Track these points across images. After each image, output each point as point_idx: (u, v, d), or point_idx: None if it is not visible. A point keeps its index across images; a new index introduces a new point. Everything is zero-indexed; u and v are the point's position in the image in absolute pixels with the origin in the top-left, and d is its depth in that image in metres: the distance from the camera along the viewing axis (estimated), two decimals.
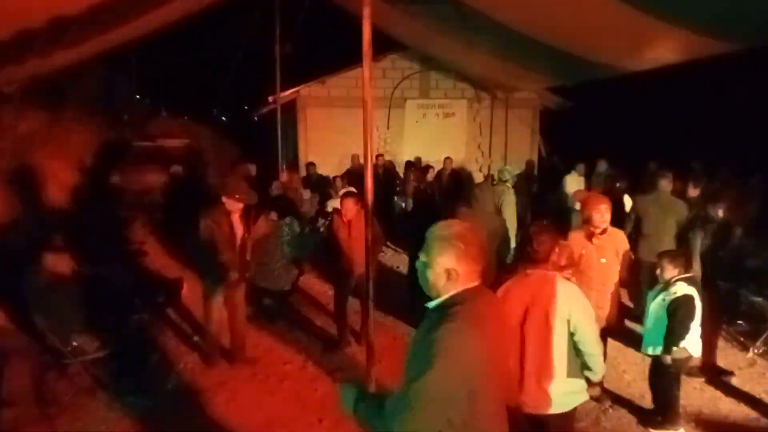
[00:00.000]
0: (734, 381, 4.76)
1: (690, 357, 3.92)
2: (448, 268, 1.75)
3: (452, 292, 1.77)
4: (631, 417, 4.21)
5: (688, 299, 3.81)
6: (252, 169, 9.12)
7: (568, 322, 2.74)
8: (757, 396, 4.53)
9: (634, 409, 4.31)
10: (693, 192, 6.28)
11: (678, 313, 3.80)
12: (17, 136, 9.59)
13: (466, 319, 1.68)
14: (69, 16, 4.20)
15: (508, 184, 7.13)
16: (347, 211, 5.46)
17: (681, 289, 3.84)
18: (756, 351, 5.24)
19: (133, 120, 17.04)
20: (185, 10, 6.00)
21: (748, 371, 4.95)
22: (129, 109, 17.95)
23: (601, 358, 2.93)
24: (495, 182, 8.02)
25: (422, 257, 1.82)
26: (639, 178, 8.67)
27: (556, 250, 2.90)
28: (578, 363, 2.86)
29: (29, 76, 6.10)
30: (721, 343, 5.49)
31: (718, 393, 4.55)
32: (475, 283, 1.80)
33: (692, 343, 3.86)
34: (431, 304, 1.82)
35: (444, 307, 1.76)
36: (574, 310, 2.75)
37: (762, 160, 9.48)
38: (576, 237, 4.07)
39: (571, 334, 2.78)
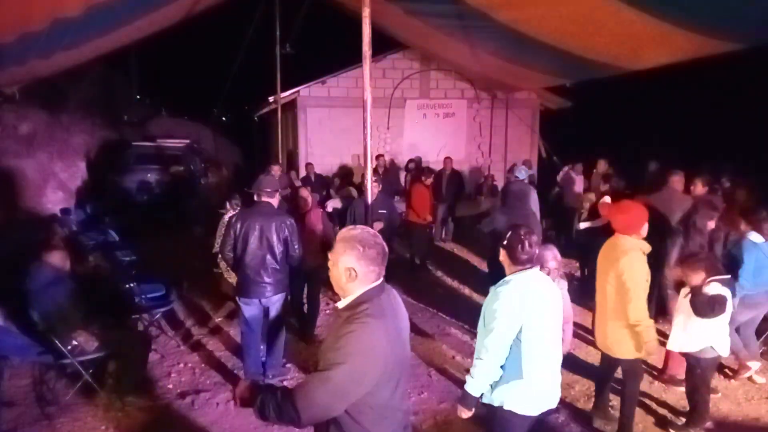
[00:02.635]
0: (734, 381, 4.76)
1: (718, 357, 3.92)
2: (348, 267, 1.91)
3: (358, 293, 1.94)
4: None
5: (722, 298, 3.78)
6: (293, 175, 9.10)
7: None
8: (757, 396, 4.53)
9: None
10: (701, 190, 6.27)
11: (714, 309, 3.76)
12: (18, 136, 9.61)
13: (372, 315, 1.87)
14: (70, 17, 4.20)
15: (527, 183, 7.12)
16: (303, 203, 5.49)
17: (714, 289, 3.81)
18: None
19: (133, 120, 17.04)
20: (186, 10, 6.00)
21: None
22: (129, 109, 17.95)
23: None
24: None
25: (330, 256, 1.99)
26: (639, 178, 8.67)
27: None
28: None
29: (30, 76, 6.10)
30: None
31: (718, 393, 4.55)
32: (377, 282, 1.97)
33: (721, 344, 3.86)
34: (340, 304, 1.98)
35: (352, 306, 1.93)
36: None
37: (762, 160, 9.49)
38: (640, 256, 3.59)
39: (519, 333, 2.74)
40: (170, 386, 4.65)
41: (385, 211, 5.98)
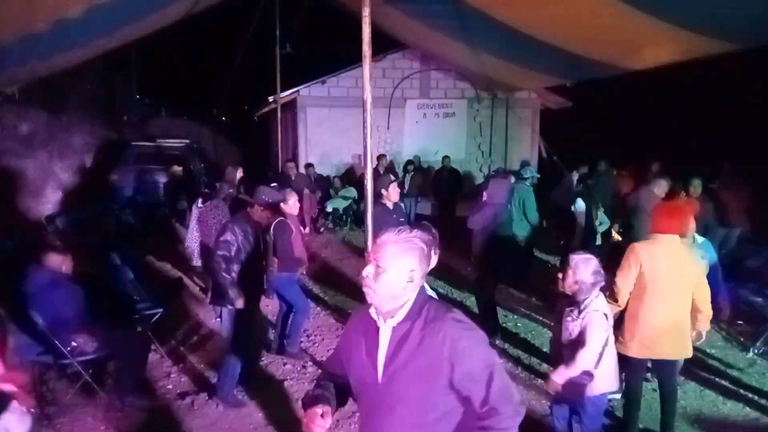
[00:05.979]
0: (734, 381, 4.76)
1: None
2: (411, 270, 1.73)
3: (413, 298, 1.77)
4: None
5: None
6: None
7: None
8: (757, 396, 4.53)
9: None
10: (694, 193, 6.28)
11: None
12: (18, 136, 9.62)
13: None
14: (71, 18, 4.20)
15: (528, 183, 7.10)
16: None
17: None
18: (756, 351, 5.24)
19: (133, 120, 17.04)
20: (186, 10, 6.00)
21: (748, 371, 4.95)
22: (129, 109, 17.96)
23: None
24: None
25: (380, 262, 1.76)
26: (640, 178, 8.65)
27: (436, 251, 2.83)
28: None
29: (30, 76, 6.10)
30: (721, 343, 5.51)
31: (718, 394, 4.55)
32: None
33: None
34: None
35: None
36: None
37: (762, 160, 9.49)
38: None
39: None
40: (170, 386, 4.65)
41: (403, 220, 5.44)
